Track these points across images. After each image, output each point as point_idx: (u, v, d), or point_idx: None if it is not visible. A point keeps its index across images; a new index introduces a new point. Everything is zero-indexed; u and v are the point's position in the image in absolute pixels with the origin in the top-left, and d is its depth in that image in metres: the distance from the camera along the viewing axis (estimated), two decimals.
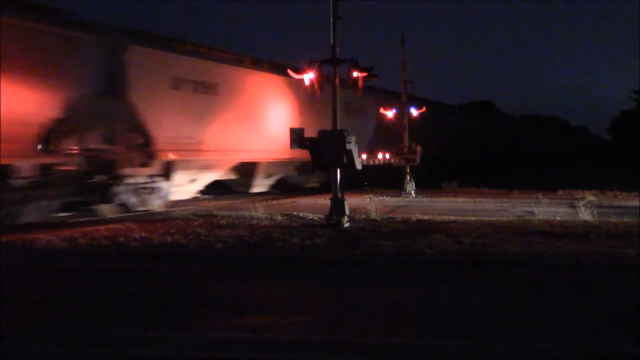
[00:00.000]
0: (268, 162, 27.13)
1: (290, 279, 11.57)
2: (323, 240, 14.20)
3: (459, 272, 11.80)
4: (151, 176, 21.06)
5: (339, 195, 17.19)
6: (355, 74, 17.72)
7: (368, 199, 22.56)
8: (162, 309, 9.15)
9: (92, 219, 18.74)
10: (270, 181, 29.00)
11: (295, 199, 25.77)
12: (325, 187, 26.30)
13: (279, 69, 26.45)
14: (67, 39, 18.32)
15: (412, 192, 28.00)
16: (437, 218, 18.20)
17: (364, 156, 27.06)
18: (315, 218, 18.03)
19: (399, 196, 27.18)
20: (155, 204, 21.21)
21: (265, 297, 9.99)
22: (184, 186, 23.29)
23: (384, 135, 33.75)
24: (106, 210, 19.67)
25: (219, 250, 13.32)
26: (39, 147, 17.36)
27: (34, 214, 17.21)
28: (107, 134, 19.50)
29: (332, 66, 17.64)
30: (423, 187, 29.54)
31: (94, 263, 12.80)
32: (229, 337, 7.77)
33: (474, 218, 17.97)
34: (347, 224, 16.71)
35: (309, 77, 17.43)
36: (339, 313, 9.13)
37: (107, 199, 19.68)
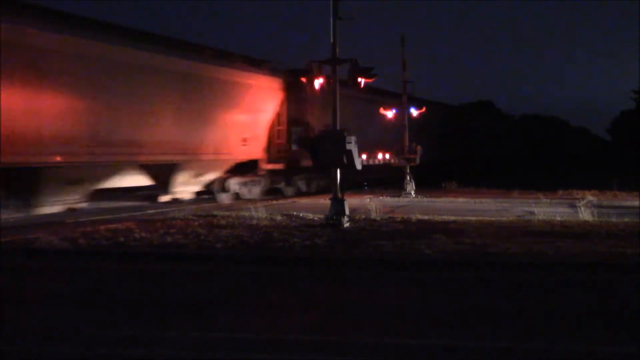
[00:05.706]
0: None
1: (290, 279, 11.57)
2: (323, 240, 14.20)
3: (459, 272, 11.80)
4: None
5: (339, 195, 17.19)
6: (355, 74, 17.72)
7: (368, 199, 22.55)
8: (162, 309, 9.16)
9: (91, 219, 18.77)
10: None
11: (295, 199, 25.78)
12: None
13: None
14: None
15: (412, 192, 27.99)
16: (437, 218, 18.19)
17: (364, 156, 27.03)
18: (315, 218, 18.02)
19: (399, 196, 27.18)
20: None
21: (265, 297, 9.99)
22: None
23: (384, 135, 33.73)
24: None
25: (219, 250, 13.32)
26: None
27: None
28: None
29: (332, 66, 17.65)
30: (423, 187, 29.54)
31: (94, 263, 12.81)
32: (229, 337, 7.78)
33: (474, 218, 17.97)
34: (347, 224, 16.70)
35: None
36: (339, 313, 9.13)
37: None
